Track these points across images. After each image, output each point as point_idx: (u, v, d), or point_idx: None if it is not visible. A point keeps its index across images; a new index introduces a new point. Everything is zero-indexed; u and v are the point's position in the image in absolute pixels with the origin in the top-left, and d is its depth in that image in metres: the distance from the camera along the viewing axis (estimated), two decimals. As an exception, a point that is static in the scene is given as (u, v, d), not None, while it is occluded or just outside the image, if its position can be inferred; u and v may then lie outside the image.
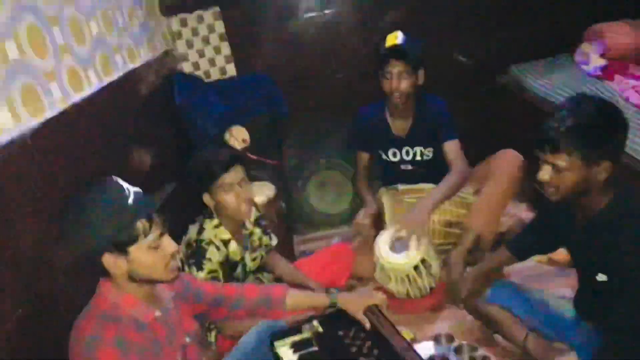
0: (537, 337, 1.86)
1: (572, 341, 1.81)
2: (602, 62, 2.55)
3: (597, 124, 1.44)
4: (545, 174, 1.53)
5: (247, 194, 1.98)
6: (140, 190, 1.33)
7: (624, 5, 2.99)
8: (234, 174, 1.94)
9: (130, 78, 2.38)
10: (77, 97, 1.81)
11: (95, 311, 1.29)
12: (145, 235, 1.28)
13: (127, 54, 2.40)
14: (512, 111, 3.11)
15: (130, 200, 1.27)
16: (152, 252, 1.30)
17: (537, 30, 3.20)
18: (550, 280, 2.36)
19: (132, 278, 1.31)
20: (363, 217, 2.57)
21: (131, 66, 2.40)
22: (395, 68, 2.43)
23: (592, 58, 2.62)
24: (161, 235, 1.32)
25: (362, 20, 3.19)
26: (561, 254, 2.30)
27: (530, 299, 1.95)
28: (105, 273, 1.31)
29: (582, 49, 2.77)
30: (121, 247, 1.26)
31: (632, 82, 2.27)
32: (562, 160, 1.47)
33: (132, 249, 1.27)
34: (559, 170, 1.49)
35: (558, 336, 1.86)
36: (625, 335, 1.44)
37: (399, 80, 2.44)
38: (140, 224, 1.27)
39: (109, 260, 1.27)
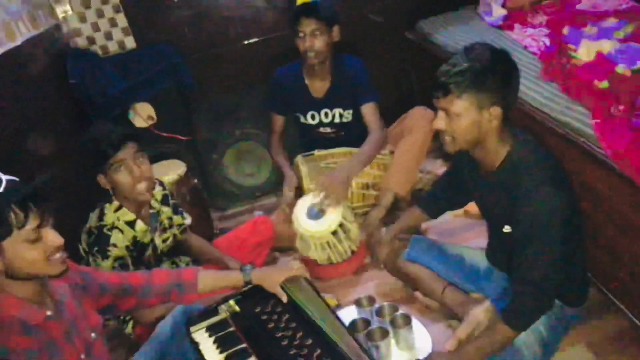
0: (455, 290, 1.89)
1: (487, 291, 1.85)
2: (503, 12, 2.58)
3: (488, 68, 1.44)
4: (439, 120, 1.52)
5: (143, 172, 1.83)
6: (15, 178, 1.21)
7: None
8: (126, 151, 1.79)
9: (10, 58, 2.16)
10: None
11: None
12: (20, 227, 1.16)
13: (4, 32, 2.17)
14: (422, 67, 3.11)
15: (0, 189, 1.16)
16: (30, 245, 1.19)
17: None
18: (467, 232, 2.42)
19: (10, 276, 1.20)
20: (288, 191, 2.49)
21: (10, 44, 2.18)
22: (308, 27, 2.35)
23: (494, 8, 2.65)
24: (41, 227, 1.20)
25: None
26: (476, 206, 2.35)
27: (446, 253, 1.98)
28: None
29: (484, 0, 2.79)
30: None
31: (530, 30, 2.30)
32: (453, 105, 1.46)
33: (6, 244, 1.16)
34: (451, 116, 1.48)
35: (474, 287, 1.90)
36: (527, 285, 1.48)
37: (312, 39, 2.36)
38: (13, 215, 1.15)
39: None
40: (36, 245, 1.20)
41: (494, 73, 1.44)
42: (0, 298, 1.20)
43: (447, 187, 1.94)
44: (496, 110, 1.46)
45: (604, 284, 1.87)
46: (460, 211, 2.47)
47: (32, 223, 1.18)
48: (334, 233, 2.18)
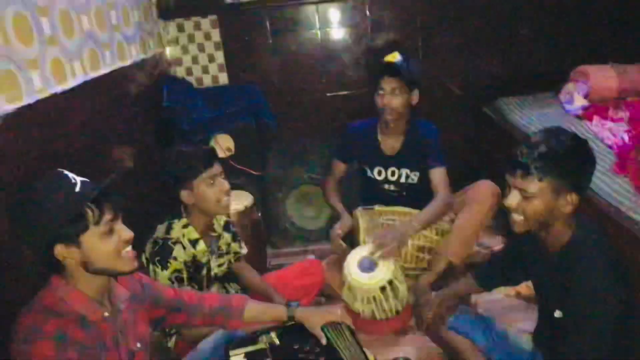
0: (495, 368, 1.85)
1: (528, 374, 1.80)
2: (584, 102, 2.59)
3: (570, 154, 1.45)
4: (513, 199, 1.52)
5: (226, 187, 2.00)
6: (87, 180, 1.32)
7: (610, 48, 3.06)
8: (216, 167, 1.98)
9: (118, 75, 2.39)
10: (58, 87, 1.83)
11: (39, 304, 1.27)
12: (97, 223, 1.27)
13: (118, 52, 2.42)
14: (494, 142, 3.14)
15: (77, 189, 1.26)
16: (106, 239, 1.29)
17: (527, 66, 3.27)
18: (516, 314, 2.36)
19: (87, 269, 1.30)
20: (338, 229, 2.56)
21: (120, 64, 2.42)
22: (389, 85, 2.44)
23: (575, 98, 2.66)
24: (114, 220, 1.31)
25: (357, 41, 3.23)
26: (528, 288, 2.31)
27: (491, 330, 1.94)
28: (58, 268, 1.29)
29: (566, 89, 2.82)
30: (72, 237, 1.25)
31: (609, 124, 2.31)
32: (531, 186, 1.47)
33: (84, 238, 1.26)
34: (527, 197, 1.49)
35: (515, 368, 1.86)
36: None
37: (391, 97, 2.44)
38: (90, 212, 1.26)
39: (62, 251, 1.25)
40: (109, 239, 1.30)
41: (574, 160, 1.45)
42: (69, 292, 1.30)
43: (504, 261, 1.93)
44: (573, 196, 1.47)
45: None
46: (512, 291, 2.44)
47: (106, 218, 1.29)
48: (382, 289, 2.19)
